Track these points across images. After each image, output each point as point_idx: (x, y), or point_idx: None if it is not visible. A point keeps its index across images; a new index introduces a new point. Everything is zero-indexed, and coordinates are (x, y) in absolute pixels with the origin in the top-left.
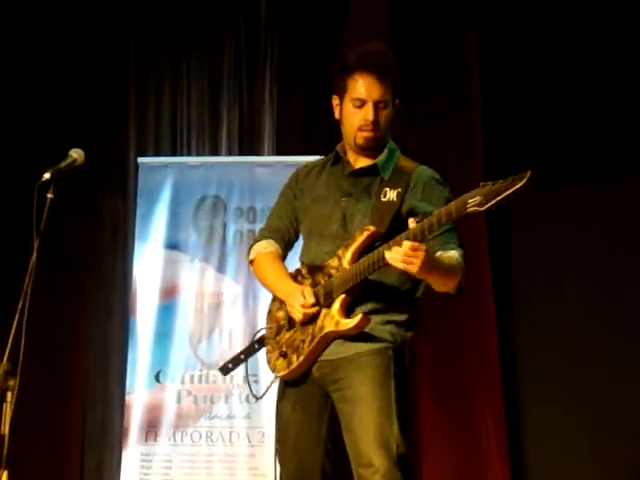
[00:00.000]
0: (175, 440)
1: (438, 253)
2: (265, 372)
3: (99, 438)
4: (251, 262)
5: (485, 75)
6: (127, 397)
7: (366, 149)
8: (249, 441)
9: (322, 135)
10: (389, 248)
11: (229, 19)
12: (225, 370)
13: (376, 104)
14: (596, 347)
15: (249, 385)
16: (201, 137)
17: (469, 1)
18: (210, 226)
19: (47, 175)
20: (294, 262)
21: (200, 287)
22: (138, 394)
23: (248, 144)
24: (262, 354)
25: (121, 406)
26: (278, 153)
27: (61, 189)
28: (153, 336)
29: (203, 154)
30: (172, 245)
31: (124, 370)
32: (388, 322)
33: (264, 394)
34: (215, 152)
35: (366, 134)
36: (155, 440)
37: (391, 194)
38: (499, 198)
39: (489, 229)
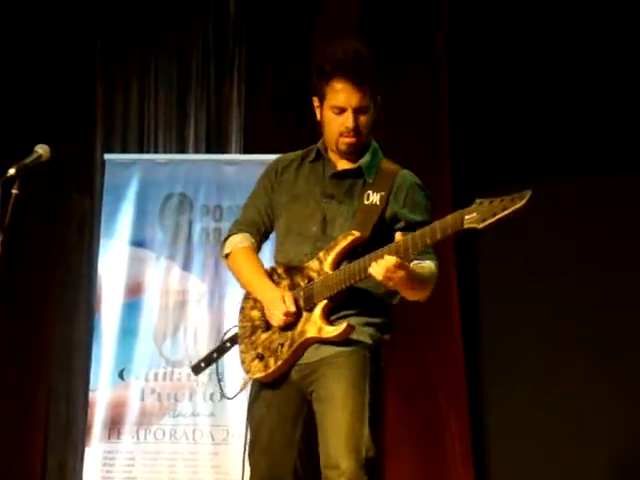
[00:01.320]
0: (138, 438)
1: (415, 262)
2: (231, 372)
3: (62, 435)
4: (226, 256)
5: (454, 75)
6: (91, 394)
7: (348, 154)
8: (213, 439)
9: (290, 133)
10: (375, 260)
11: (198, 17)
12: (197, 369)
13: (355, 110)
14: (561, 347)
15: (220, 385)
16: (168, 134)
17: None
18: (176, 224)
19: (12, 171)
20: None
21: (165, 285)
22: (102, 391)
23: (215, 142)
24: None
25: (85, 403)
26: (245, 151)
27: (27, 185)
28: (118, 333)
29: (170, 151)
30: (138, 242)
31: (88, 367)
32: (367, 324)
33: (237, 395)
34: (182, 150)
35: (347, 140)
36: (118, 438)
37: (374, 197)
38: (498, 217)
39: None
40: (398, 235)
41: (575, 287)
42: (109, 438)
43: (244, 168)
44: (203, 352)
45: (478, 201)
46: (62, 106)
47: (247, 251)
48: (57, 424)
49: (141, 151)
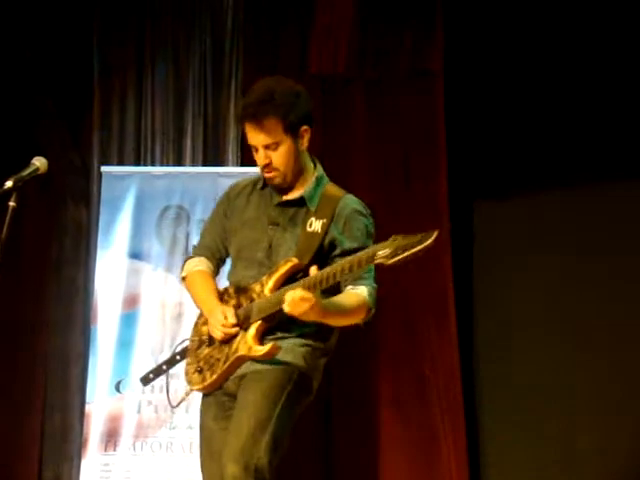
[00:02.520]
0: (135, 450)
1: (349, 287)
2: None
3: (58, 447)
4: (183, 279)
5: (450, 88)
6: (87, 406)
7: (274, 187)
8: None
9: None
10: (290, 289)
11: (195, 29)
12: (146, 380)
13: (266, 147)
14: (558, 357)
15: (167, 394)
16: (165, 147)
17: (434, 7)
18: (173, 236)
19: (9, 183)
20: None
21: (162, 297)
22: (98, 403)
23: (212, 154)
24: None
25: (81, 416)
26: (242, 164)
27: (24, 197)
28: (114, 345)
29: (167, 164)
30: (134, 254)
31: (84, 379)
32: (302, 345)
33: (179, 404)
34: (179, 162)
35: (266, 175)
36: (115, 450)
37: (316, 225)
38: (406, 254)
39: (453, 244)
40: (312, 269)
41: (573, 295)
42: (105, 450)
43: None
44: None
45: (393, 237)
46: (59, 118)
47: (201, 274)
48: (53, 436)
49: (138, 163)
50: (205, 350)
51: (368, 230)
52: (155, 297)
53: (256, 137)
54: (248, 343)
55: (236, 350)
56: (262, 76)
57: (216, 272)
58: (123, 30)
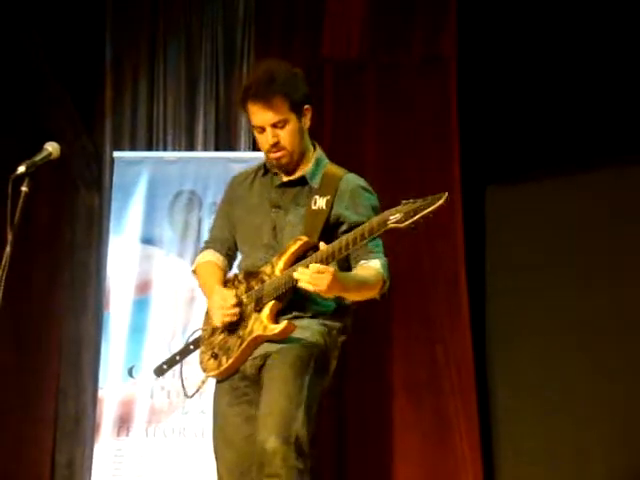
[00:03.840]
0: (148, 435)
1: (361, 262)
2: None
3: (71, 432)
4: (193, 272)
5: (463, 76)
6: (100, 392)
7: (280, 168)
8: None
9: None
10: (301, 267)
11: (207, 14)
12: (160, 372)
13: (273, 126)
14: (571, 347)
15: (182, 385)
16: (177, 132)
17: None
18: (185, 221)
19: (22, 168)
20: None
21: (174, 282)
22: (111, 389)
23: (224, 140)
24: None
25: (93, 401)
26: (254, 149)
27: (37, 183)
28: (127, 331)
29: (179, 149)
30: (147, 240)
31: (97, 364)
32: (321, 325)
33: (194, 394)
34: (191, 147)
35: (273, 155)
36: (127, 435)
37: (320, 202)
38: (418, 216)
39: (465, 230)
40: (322, 245)
41: (586, 284)
42: (118, 435)
43: (252, 166)
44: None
45: (403, 202)
46: (71, 103)
47: (208, 265)
48: (66, 421)
49: (150, 149)
50: (219, 337)
51: (372, 204)
52: (167, 282)
53: (263, 116)
54: (263, 323)
55: (251, 331)
56: None
57: (228, 263)
58: (135, 16)
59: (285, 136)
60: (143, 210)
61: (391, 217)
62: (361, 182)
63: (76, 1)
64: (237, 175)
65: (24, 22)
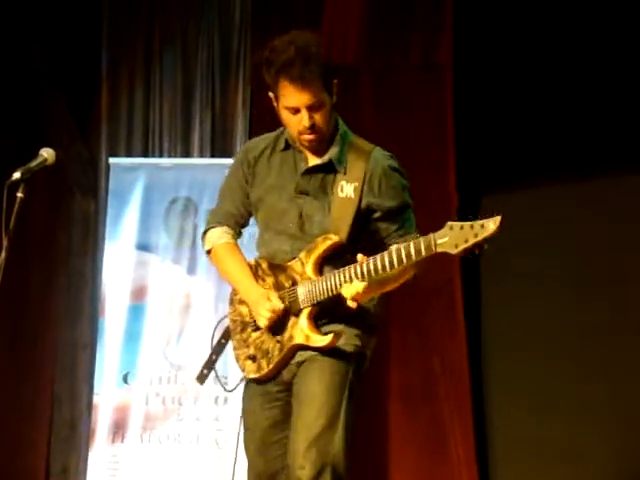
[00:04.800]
0: (143, 442)
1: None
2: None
3: (66, 439)
4: (208, 252)
5: (459, 82)
6: (95, 398)
7: (312, 149)
8: (217, 444)
9: None
10: (345, 281)
11: (203, 21)
12: (202, 378)
13: (309, 108)
14: (565, 354)
15: (219, 380)
16: (173, 139)
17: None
18: (181, 228)
19: (17, 174)
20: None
21: (170, 289)
22: (106, 395)
23: (220, 146)
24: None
25: (88, 407)
26: None
27: (32, 189)
28: (122, 337)
29: (175, 155)
30: (142, 246)
31: (92, 371)
32: (355, 330)
33: (235, 387)
34: (187, 154)
35: (307, 137)
36: (122, 441)
37: (348, 189)
38: (471, 244)
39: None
40: (360, 257)
41: (581, 291)
42: (113, 442)
43: None
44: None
45: (449, 224)
46: (67, 109)
47: (229, 247)
48: (61, 428)
49: (146, 155)
50: (253, 334)
51: (403, 184)
52: (163, 289)
53: (300, 97)
54: (305, 331)
55: (291, 338)
56: None
57: (238, 236)
58: (131, 22)
59: (320, 118)
60: (139, 216)
61: (439, 241)
62: (390, 161)
63: (72, 8)
64: (250, 147)
65: (22, 29)
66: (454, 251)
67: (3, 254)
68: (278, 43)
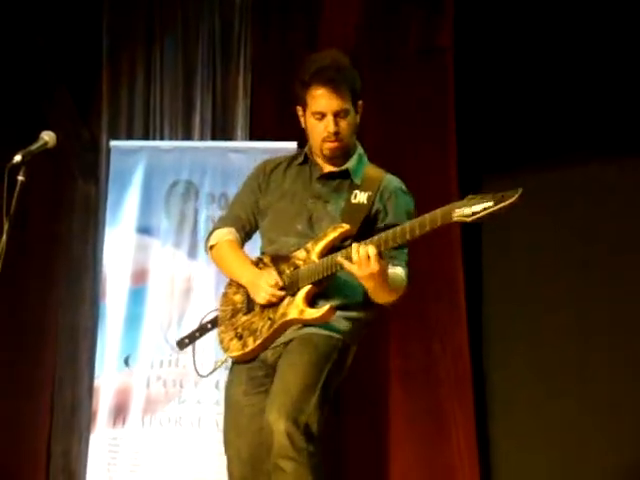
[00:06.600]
0: (144, 425)
1: (388, 267)
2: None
3: (67, 422)
4: (211, 248)
5: (460, 67)
6: (96, 381)
7: (332, 158)
8: (218, 426)
9: (296, 121)
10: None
11: (204, 4)
12: (181, 344)
13: (335, 115)
14: (567, 338)
15: (194, 364)
16: (174, 122)
17: None
18: (182, 211)
19: (18, 157)
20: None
21: (171, 272)
22: (107, 378)
23: (221, 129)
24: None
25: (89, 390)
26: (251, 139)
27: (32, 172)
28: (123, 320)
29: (176, 139)
30: (143, 230)
31: (93, 354)
32: (347, 318)
33: (210, 373)
34: (188, 137)
35: (330, 145)
36: (123, 424)
37: (361, 197)
38: (489, 212)
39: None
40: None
41: (582, 278)
42: (114, 425)
43: (250, 156)
44: (208, 339)
45: (469, 196)
46: (67, 92)
47: (232, 243)
48: (62, 410)
49: (146, 138)
50: (242, 318)
51: (408, 209)
52: (164, 272)
53: (330, 103)
54: (299, 307)
55: (284, 314)
56: (271, 51)
57: (242, 245)
58: (132, 6)
59: (345, 127)
60: (139, 200)
61: (457, 210)
62: (402, 185)
63: None
64: (269, 160)
65: (23, 14)
66: (469, 219)
67: (3, 237)
68: (315, 55)
